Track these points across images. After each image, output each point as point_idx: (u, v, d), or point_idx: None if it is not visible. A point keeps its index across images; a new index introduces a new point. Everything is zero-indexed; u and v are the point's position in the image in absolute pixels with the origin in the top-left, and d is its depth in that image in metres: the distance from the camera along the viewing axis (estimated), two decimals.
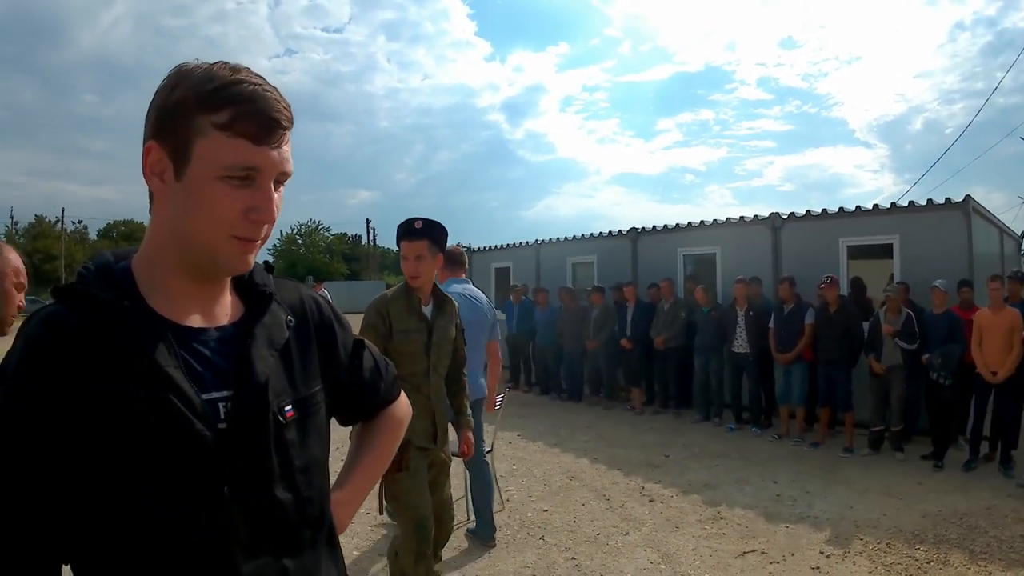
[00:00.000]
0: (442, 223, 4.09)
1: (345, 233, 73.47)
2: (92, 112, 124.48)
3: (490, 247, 18.68)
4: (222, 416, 1.22)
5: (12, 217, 51.49)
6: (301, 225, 66.51)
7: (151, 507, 1.13)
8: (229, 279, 1.34)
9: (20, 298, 2.59)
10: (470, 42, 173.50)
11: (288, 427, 1.29)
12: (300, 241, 65.72)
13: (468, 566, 5.34)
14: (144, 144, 1.21)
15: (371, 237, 67.38)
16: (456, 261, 5.77)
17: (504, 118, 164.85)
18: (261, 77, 1.23)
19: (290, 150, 1.25)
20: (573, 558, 5.49)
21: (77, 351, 1.12)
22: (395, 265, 72.26)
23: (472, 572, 5.23)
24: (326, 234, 68.56)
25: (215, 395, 1.22)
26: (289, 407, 1.31)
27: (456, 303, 4.29)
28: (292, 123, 1.25)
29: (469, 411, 4.42)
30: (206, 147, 1.17)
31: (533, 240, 16.74)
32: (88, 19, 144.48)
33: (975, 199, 9.42)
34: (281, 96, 1.23)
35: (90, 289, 1.19)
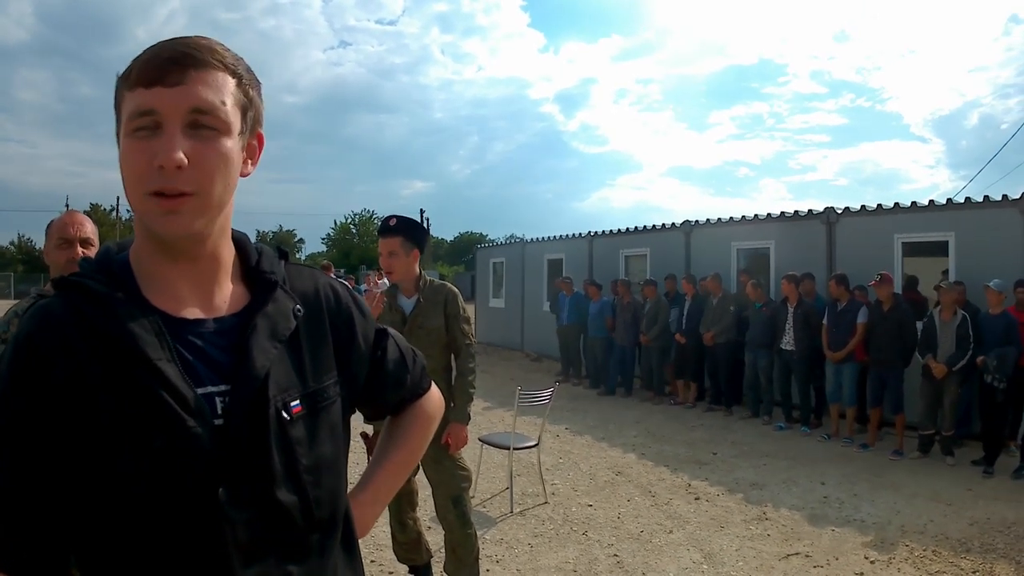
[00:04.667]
0: (417, 221, 4.33)
1: None
2: None
3: (543, 238, 18.74)
4: (219, 412, 1.16)
5: (67, 205, 52.63)
6: (355, 215, 66.99)
7: (140, 507, 1.09)
8: (229, 265, 1.27)
9: (73, 253, 2.96)
10: (523, 34, 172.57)
11: (294, 424, 1.22)
12: (354, 231, 66.17)
13: (508, 559, 5.39)
14: None
15: (426, 228, 67.79)
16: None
17: (558, 109, 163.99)
18: (195, 36, 1.18)
19: (218, 92, 1.15)
20: (615, 555, 5.51)
21: (65, 346, 1.11)
22: (449, 255, 72.58)
23: (513, 566, 5.27)
24: (380, 224, 68.96)
25: (212, 389, 1.16)
26: (296, 402, 1.23)
27: (454, 292, 4.37)
28: (213, 63, 1.15)
29: (465, 404, 4.28)
30: (122, 111, 1.15)
31: (586, 232, 16.76)
32: (143, 14, 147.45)
33: None
34: (200, 41, 1.16)
35: (84, 280, 1.16)
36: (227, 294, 1.26)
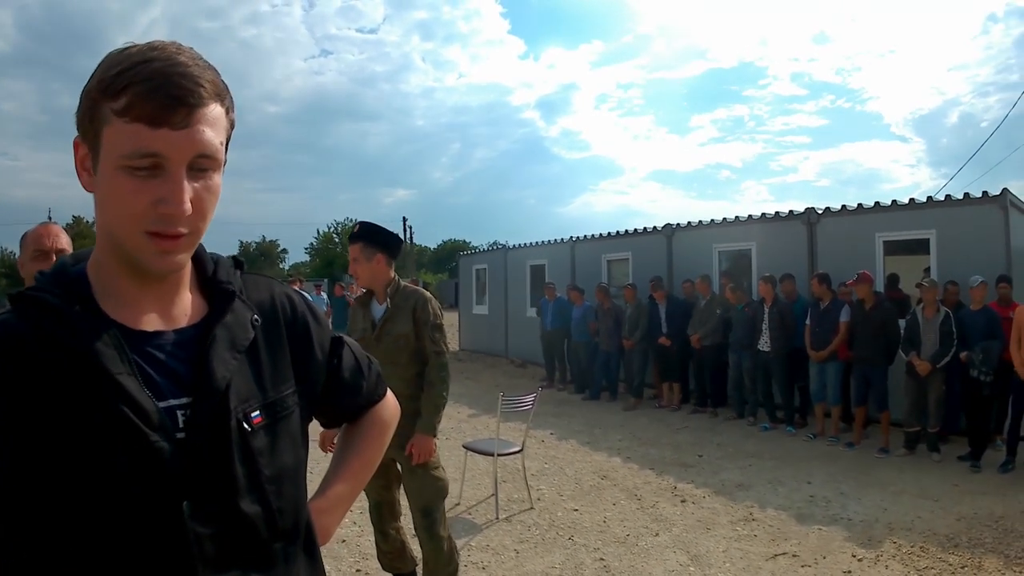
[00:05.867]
0: (381, 226, 4.26)
1: None
2: None
3: (526, 244, 18.72)
4: (181, 425, 1.14)
5: (50, 217, 52.35)
6: (338, 224, 66.84)
7: (104, 524, 1.07)
8: (188, 276, 1.26)
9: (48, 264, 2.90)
10: (504, 40, 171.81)
11: (255, 434, 1.22)
12: (337, 239, 66.04)
13: (495, 566, 5.33)
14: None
15: (408, 235, 67.57)
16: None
17: (539, 115, 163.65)
18: (180, 52, 1.12)
19: (216, 130, 1.13)
20: (601, 559, 5.46)
21: (22, 361, 1.07)
22: (432, 263, 72.57)
23: (499, 572, 5.22)
24: None
25: (173, 403, 1.15)
26: (256, 413, 1.23)
27: (426, 297, 4.26)
28: (210, 97, 1.12)
29: (431, 416, 4.10)
30: (108, 136, 1.08)
31: (568, 237, 16.75)
32: (124, 24, 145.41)
33: (1012, 193, 9.23)
34: (194, 70, 1.10)
35: (40, 294, 1.13)
36: (186, 305, 1.25)
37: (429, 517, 4.16)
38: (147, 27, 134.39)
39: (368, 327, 4.20)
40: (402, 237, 4.29)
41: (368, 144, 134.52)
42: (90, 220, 57.05)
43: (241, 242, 69.05)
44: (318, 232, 67.33)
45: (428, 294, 4.31)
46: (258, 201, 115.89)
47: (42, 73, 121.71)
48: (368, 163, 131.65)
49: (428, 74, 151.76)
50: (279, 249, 71.06)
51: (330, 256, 62.67)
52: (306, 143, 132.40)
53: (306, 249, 68.56)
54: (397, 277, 4.30)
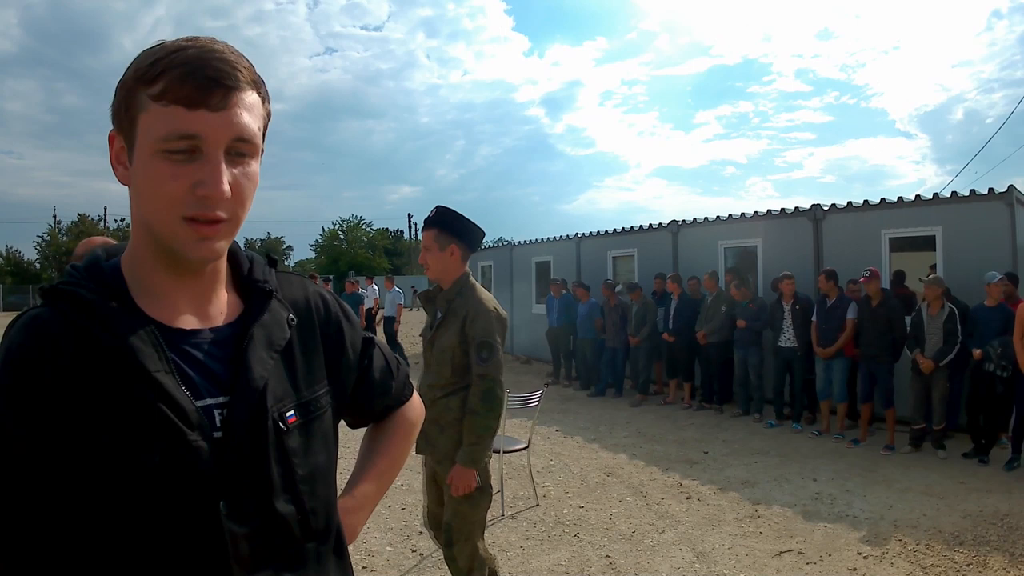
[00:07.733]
0: (459, 213, 3.80)
1: (387, 228, 73.76)
2: None
3: (531, 241, 18.73)
4: (218, 424, 1.14)
5: (55, 216, 52.39)
6: (343, 220, 67.03)
7: (141, 523, 1.07)
8: (224, 274, 1.26)
9: None
10: (508, 37, 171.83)
11: (290, 434, 1.22)
12: (342, 236, 66.17)
13: (500, 563, 5.30)
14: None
15: (412, 232, 67.53)
16: None
17: (544, 112, 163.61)
18: (215, 42, 1.13)
19: (254, 115, 1.14)
20: (607, 556, 5.47)
21: (59, 358, 1.06)
22: None
23: (505, 569, 5.21)
24: (368, 229, 68.86)
25: (210, 402, 1.15)
26: (291, 413, 1.23)
27: (479, 310, 3.74)
28: (246, 83, 1.13)
29: (471, 445, 3.72)
30: (144, 122, 1.08)
31: (573, 234, 16.74)
32: (129, 23, 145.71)
33: (1018, 189, 9.21)
34: (230, 57, 1.11)
35: (76, 289, 1.12)
36: (223, 303, 1.25)
37: (447, 534, 3.92)
38: (152, 26, 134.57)
39: (427, 329, 3.94)
40: (482, 229, 3.86)
41: (373, 141, 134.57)
42: (94, 218, 57.27)
43: (247, 239, 69.12)
44: (323, 229, 67.48)
45: (488, 305, 3.79)
46: (263, 198, 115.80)
47: (47, 73, 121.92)
48: (373, 160, 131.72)
49: (433, 71, 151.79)
50: (284, 246, 71.18)
51: (336, 253, 62.73)
52: (311, 141, 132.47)
53: (311, 246, 68.67)
54: (469, 274, 3.87)
